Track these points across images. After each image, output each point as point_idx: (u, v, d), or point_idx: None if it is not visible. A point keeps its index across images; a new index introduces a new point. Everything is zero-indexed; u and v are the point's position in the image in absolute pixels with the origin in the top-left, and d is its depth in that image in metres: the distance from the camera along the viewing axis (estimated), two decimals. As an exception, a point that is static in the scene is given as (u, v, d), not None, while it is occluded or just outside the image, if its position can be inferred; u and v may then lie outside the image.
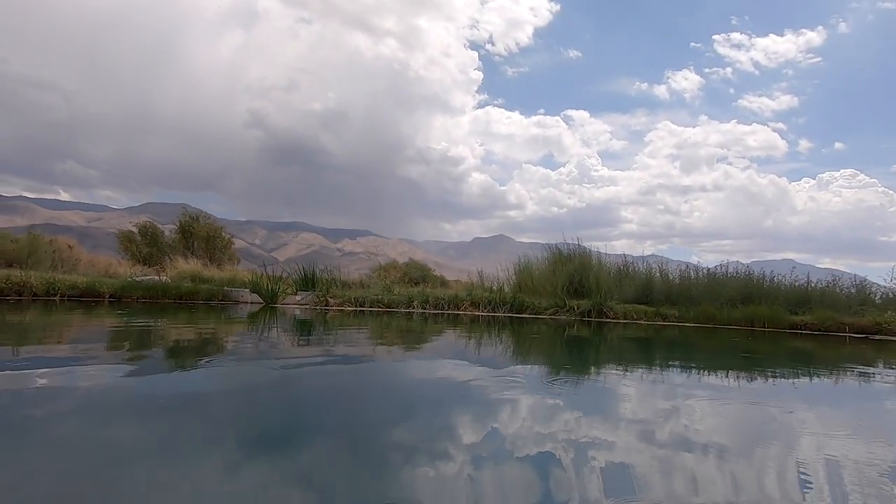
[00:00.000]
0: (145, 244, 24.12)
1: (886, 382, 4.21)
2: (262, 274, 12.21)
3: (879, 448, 2.14)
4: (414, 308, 11.21)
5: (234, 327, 6.32)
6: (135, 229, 25.34)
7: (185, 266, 13.98)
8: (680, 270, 13.15)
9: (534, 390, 3.06)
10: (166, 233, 26.76)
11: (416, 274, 23.18)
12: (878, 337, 8.55)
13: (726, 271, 12.55)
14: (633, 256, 14.09)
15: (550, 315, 10.90)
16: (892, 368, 5.17)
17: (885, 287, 11.73)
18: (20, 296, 8.21)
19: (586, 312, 10.75)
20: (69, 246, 17.67)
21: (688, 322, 10.06)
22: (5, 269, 9.47)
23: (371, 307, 10.77)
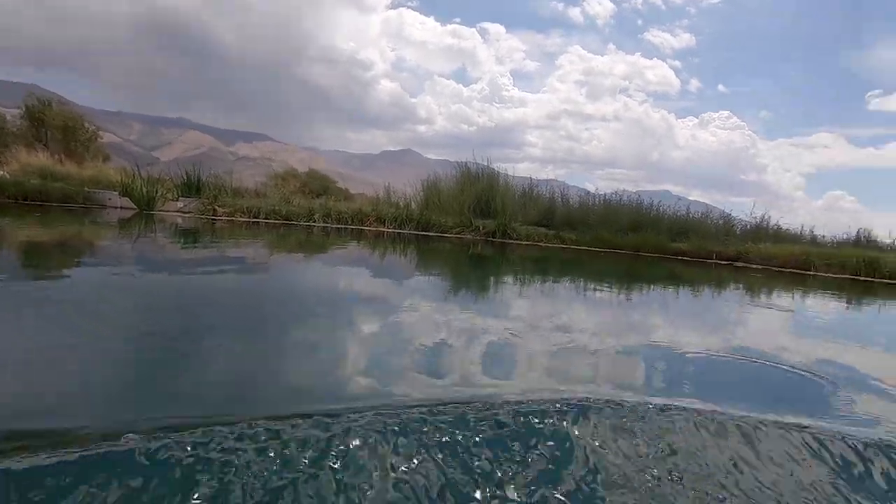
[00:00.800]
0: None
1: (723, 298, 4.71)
2: (136, 174, 10.55)
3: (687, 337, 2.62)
4: (315, 222, 10.53)
5: (102, 232, 5.35)
6: (-37, 112, 20.73)
7: (32, 160, 11.66)
8: (579, 196, 13.73)
9: (433, 298, 2.92)
10: (8, 118, 22.36)
11: (317, 185, 21.90)
12: (739, 264, 9.74)
13: (620, 200, 13.35)
14: (536, 180, 14.39)
15: (456, 234, 10.89)
16: (739, 289, 5.84)
17: (745, 221, 13.33)
18: None
19: (491, 233, 10.89)
20: None
21: (584, 246, 10.64)
22: None
23: (266, 219, 9.90)
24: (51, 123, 25.20)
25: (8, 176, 8.93)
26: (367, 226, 10.95)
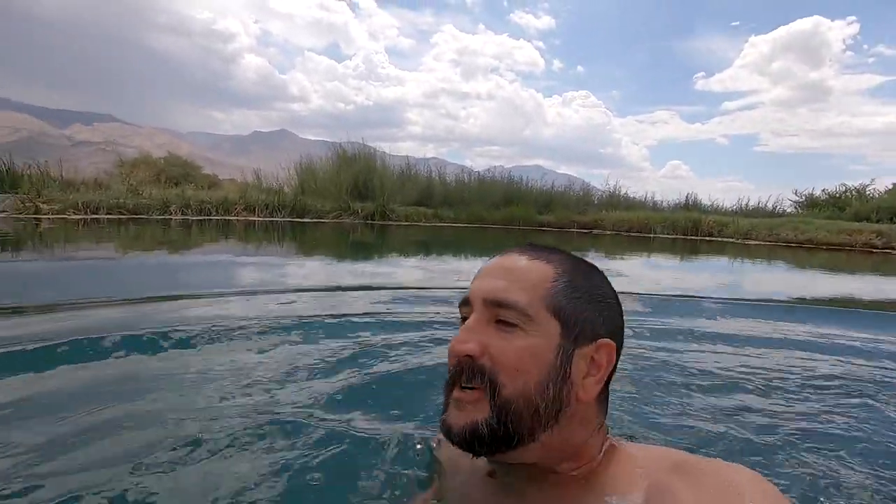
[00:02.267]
0: None
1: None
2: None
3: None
4: (172, 214, 9.47)
5: None
6: None
7: None
8: (456, 174, 14.13)
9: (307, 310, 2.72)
10: None
11: (177, 172, 19.67)
12: (596, 231, 10.84)
13: (493, 176, 14.00)
14: (415, 159, 14.50)
15: (333, 218, 10.58)
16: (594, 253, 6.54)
17: (601, 191, 14.85)
18: None
19: (370, 215, 10.76)
20: None
21: (461, 223, 11.01)
22: None
23: (109, 214, 8.66)
24: None
25: None
26: (234, 215, 10.13)
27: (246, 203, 10.48)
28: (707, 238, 10.09)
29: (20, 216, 7.87)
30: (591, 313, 0.64)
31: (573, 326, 0.63)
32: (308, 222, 10.09)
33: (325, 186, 12.19)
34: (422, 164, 14.45)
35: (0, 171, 9.22)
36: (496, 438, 0.60)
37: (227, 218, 9.88)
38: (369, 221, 10.53)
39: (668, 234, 10.48)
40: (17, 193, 8.54)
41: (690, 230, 10.35)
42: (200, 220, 9.45)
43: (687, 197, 14.00)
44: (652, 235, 10.42)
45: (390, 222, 10.62)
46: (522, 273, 0.64)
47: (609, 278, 0.69)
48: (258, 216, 10.33)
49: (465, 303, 0.66)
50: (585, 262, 0.70)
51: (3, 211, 8.02)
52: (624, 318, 0.69)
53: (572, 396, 0.62)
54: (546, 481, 0.64)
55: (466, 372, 0.61)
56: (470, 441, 0.61)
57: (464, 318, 0.65)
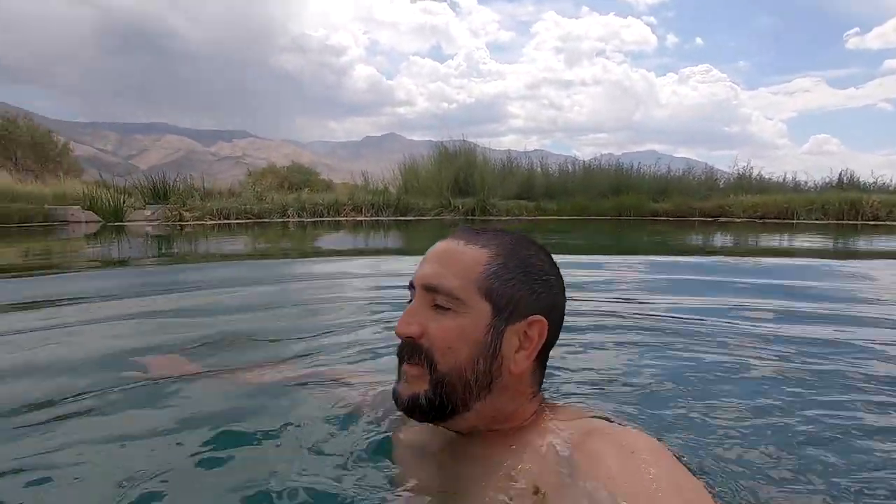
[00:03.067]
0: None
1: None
2: (97, 185, 10.20)
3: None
4: (289, 217, 10.27)
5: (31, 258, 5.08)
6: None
7: (-10, 181, 11.26)
8: (559, 165, 13.51)
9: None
10: None
11: (299, 178, 21.46)
12: (722, 219, 9.61)
13: (599, 164, 13.13)
14: (517, 152, 14.14)
15: (435, 216, 10.68)
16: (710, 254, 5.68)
17: (727, 173, 13.18)
18: None
19: (470, 211, 10.68)
20: None
21: (564, 215, 10.47)
22: None
23: (238, 219, 9.63)
24: (18, 141, 24.43)
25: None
26: (343, 216, 10.70)
27: (354, 204, 11.02)
28: (871, 222, 8.39)
29: (168, 223, 9.08)
30: (524, 292, 0.68)
31: (505, 306, 0.67)
32: (410, 220, 10.30)
33: (427, 184, 12.38)
34: (523, 158, 14.07)
35: (156, 186, 10.71)
36: (433, 408, 0.67)
37: (337, 219, 10.46)
38: (469, 217, 10.45)
39: (815, 219, 8.92)
40: (167, 204, 9.87)
41: (847, 213, 8.68)
42: (314, 221, 10.13)
43: (840, 174, 11.85)
44: (794, 221, 8.94)
45: (491, 217, 10.44)
46: (456, 259, 0.68)
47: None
48: (364, 216, 10.80)
49: (411, 286, 0.71)
50: (527, 241, 0.73)
51: (157, 219, 9.31)
52: (566, 293, 0.73)
53: (504, 369, 0.68)
54: (476, 436, 0.70)
55: (408, 350, 0.68)
56: (411, 409, 0.69)
57: (409, 301, 0.71)
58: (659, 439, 0.64)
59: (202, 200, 10.39)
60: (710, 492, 0.58)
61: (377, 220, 10.48)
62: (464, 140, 13.69)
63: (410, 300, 0.71)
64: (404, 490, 0.71)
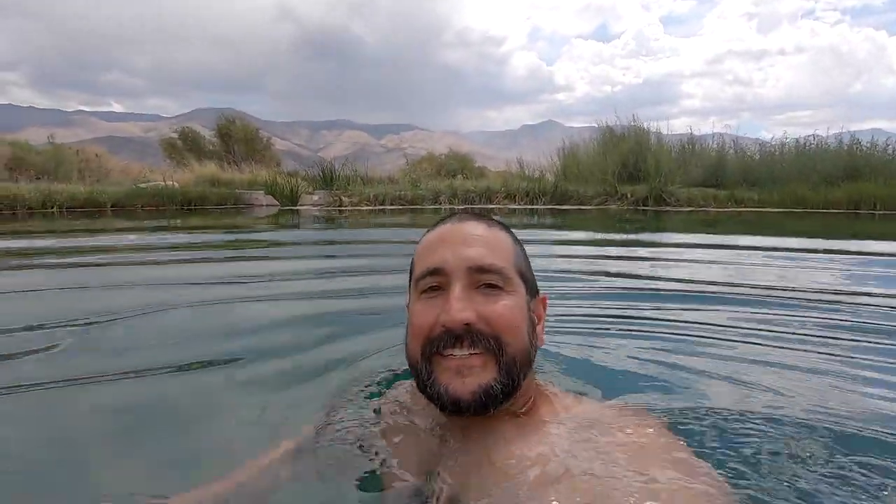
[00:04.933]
0: (187, 150, 23.72)
1: None
2: (276, 174, 11.22)
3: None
4: (441, 203, 10.00)
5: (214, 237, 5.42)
6: (176, 136, 24.92)
7: (204, 169, 13.24)
8: (759, 145, 10.94)
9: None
10: (207, 137, 26.29)
11: (455, 166, 21.61)
12: None
13: (820, 144, 10.23)
14: (695, 136, 11.88)
15: (598, 205, 9.39)
16: None
17: None
18: (13, 210, 7.69)
19: (641, 200, 9.14)
20: (96, 155, 17.35)
21: (770, 206, 8.27)
22: (29, 184, 9.03)
23: (392, 204, 9.66)
24: (236, 138, 29.36)
25: (177, 185, 10.10)
26: (495, 203, 10.07)
27: (507, 191, 10.31)
28: None
29: (330, 207, 9.48)
30: (531, 273, 0.74)
31: (529, 284, 0.72)
32: (568, 209, 9.19)
33: (589, 171, 11.08)
34: (708, 139, 11.76)
35: (325, 174, 11.42)
36: (506, 393, 0.66)
37: (488, 206, 9.88)
38: (640, 207, 8.93)
39: None
40: (330, 190, 10.38)
41: None
42: (464, 208, 9.69)
43: None
44: None
45: (668, 208, 8.77)
46: (494, 240, 0.70)
47: None
48: (518, 203, 10.02)
49: (436, 272, 0.68)
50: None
51: (320, 203, 9.82)
52: None
53: (535, 343, 0.71)
54: (491, 419, 0.67)
55: (469, 339, 0.65)
56: (485, 403, 0.65)
57: (431, 288, 0.69)
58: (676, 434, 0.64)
59: (363, 186, 10.73)
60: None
61: (531, 208, 9.61)
62: (634, 120, 11.95)
63: (431, 288, 0.68)
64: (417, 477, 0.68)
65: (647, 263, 3.17)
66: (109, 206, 8.65)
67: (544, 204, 9.89)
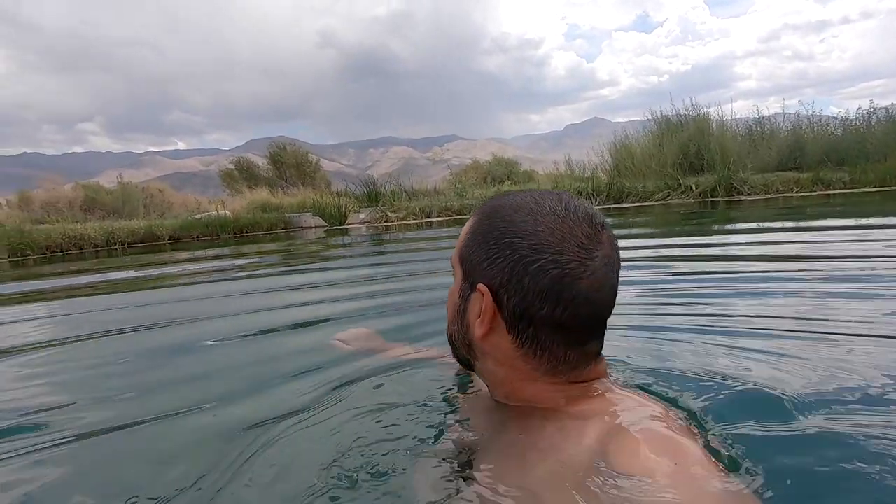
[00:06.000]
0: (243, 179, 24.72)
1: None
2: (323, 194, 11.26)
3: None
4: (489, 212, 9.62)
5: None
6: (233, 167, 26.10)
7: (254, 196, 13.58)
8: (845, 118, 9.79)
9: None
10: (261, 165, 27.37)
11: (500, 172, 21.17)
12: None
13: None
14: (763, 117, 10.82)
15: (660, 200, 8.67)
16: None
17: None
18: (81, 249, 8.06)
19: (709, 191, 8.33)
20: (159, 190, 18.34)
21: (865, 186, 7.26)
22: (95, 222, 9.54)
23: (439, 216, 9.37)
24: (287, 163, 30.44)
25: (229, 214, 10.33)
26: (547, 207, 9.57)
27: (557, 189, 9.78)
28: None
29: (376, 224, 9.33)
30: (480, 258, 0.68)
31: (469, 271, 0.70)
32: (628, 207, 8.53)
33: (645, 164, 10.33)
34: (780, 118, 10.69)
35: (370, 191, 11.35)
36: (460, 361, 0.80)
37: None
38: (709, 199, 8.14)
39: None
40: (376, 207, 10.26)
41: None
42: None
43: None
44: None
45: (742, 197, 7.93)
46: (463, 230, 0.74)
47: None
48: (571, 206, 9.46)
49: None
50: (510, 205, 0.69)
51: (367, 220, 9.70)
52: (537, 265, 0.63)
53: (472, 334, 0.71)
54: (511, 407, 0.72)
55: None
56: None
57: None
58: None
59: (408, 201, 10.54)
60: None
61: (586, 209, 9.02)
62: (692, 105, 11.07)
63: None
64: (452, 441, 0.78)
65: (737, 255, 2.64)
66: (167, 238, 8.92)
67: (600, 203, 9.26)
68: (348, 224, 10.22)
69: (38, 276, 5.17)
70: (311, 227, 10.36)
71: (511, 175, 19.63)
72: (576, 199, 0.69)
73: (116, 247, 8.36)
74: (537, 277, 0.63)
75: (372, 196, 11.13)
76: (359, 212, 10.68)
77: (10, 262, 7.07)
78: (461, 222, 6.18)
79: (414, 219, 9.31)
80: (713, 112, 10.58)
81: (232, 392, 1.24)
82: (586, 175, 11.21)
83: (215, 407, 1.15)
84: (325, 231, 9.40)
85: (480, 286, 0.67)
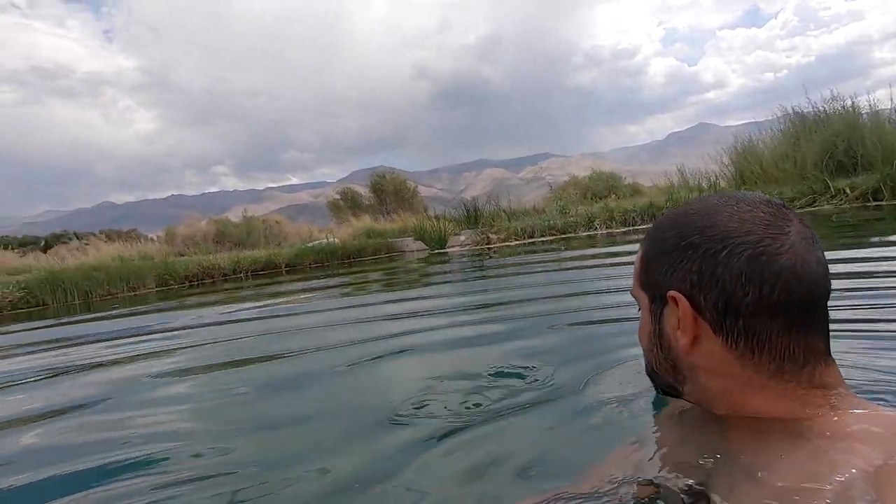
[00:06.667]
0: (348, 207, 26.32)
1: None
2: (424, 218, 11.42)
3: None
4: (596, 229, 9.02)
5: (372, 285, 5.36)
6: (338, 197, 28.01)
7: (358, 223, 14.21)
8: None
9: None
10: (363, 194, 29.05)
11: (601, 187, 20.15)
12: None
13: None
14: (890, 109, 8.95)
15: (804, 206, 7.49)
16: None
17: None
18: (213, 278, 8.89)
19: (868, 194, 7.01)
20: (276, 222, 20.04)
21: None
22: (224, 253, 10.62)
23: (542, 236, 8.98)
24: (386, 191, 32.00)
25: (337, 241, 10.84)
26: (662, 222, 8.75)
27: (674, 205, 8.91)
28: None
29: (478, 246, 9.17)
30: (661, 270, 0.66)
31: (654, 290, 0.67)
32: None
33: (778, 168, 9.09)
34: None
35: (469, 213, 11.31)
36: (665, 390, 0.73)
37: (654, 226, 8.61)
38: (871, 203, 6.85)
39: None
40: (477, 228, 10.13)
41: None
42: (624, 231, 8.56)
43: None
44: None
45: (915, 199, 6.56)
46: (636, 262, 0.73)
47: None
48: (691, 219, 8.56)
49: None
50: (673, 214, 0.68)
51: (468, 243, 9.58)
52: (726, 252, 0.59)
53: (674, 349, 0.66)
54: (737, 423, 0.64)
55: None
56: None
57: None
58: None
59: (508, 221, 10.30)
60: None
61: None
62: (832, 98, 9.58)
63: None
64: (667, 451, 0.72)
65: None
66: (284, 266, 9.55)
67: (725, 215, 8.26)
68: (449, 247, 10.20)
69: (180, 298, 5.69)
70: (412, 251, 10.51)
71: (613, 189, 18.57)
72: (740, 191, 0.64)
73: (241, 275, 9.10)
74: (730, 264, 0.59)
75: (471, 218, 11.06)
76: (459, 234, 10.64)
77: (156, 290, 7.98)
78: (568, 240, 5.84)
79: (516, 239, 9.01)
80: (863, 103, 9.05)
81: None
82: (703, 185, 10.18)
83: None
84: (428, 255, 9.45)
85: (671, 293, 0.63)
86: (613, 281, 3.08)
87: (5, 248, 14.63)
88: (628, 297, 0.76)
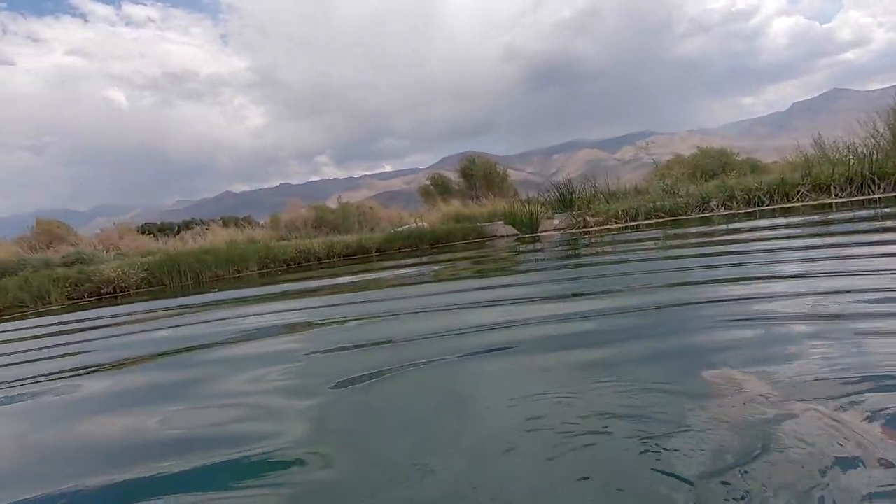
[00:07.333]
0: (438, 193, 26.48)
1: None
2: (514, 202, 10.91)
3: None
4: (713, 209, 7.93)
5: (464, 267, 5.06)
6: (429, 183, 28.34)
7: (447, 208, 14.04)
8: None
9: None
10: (453, 179, 29.11)
11: (712, 165, 18.08)
12: None
13: None
14: None
15: None
16: None
17: None
18: (308, 261, 9.20)
19: None
20: (370, 208, 20.63)
21: None
22: (320, 238, 11.05)
23: (647, 218, 8.09)
24: (476, 175, 31.74)
25: (426, 226, 10.73)
26: (797, 200, 7.45)
27: (813, 181, 7.54)
28: None
29: (573, 230, 8.50)
30: None
31: None
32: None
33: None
34: None
35: (563, 196, 10.59)
36: None
37: (787, 205, 7.35)
38: None
39: None
40: (572, 211, 9.43)
41: None
42: (749, 212, 7.41)
43: None
44: None
45: None
46: None
47: None
48: (835, 196, 7.18)
49: None
50: None
51: (561, 227, 8.93)
52: None
53: None
54: None
55: None
56: None
57: None
58: None
59: (607, 203, 9.46)
60: None
61: (862, 199, 6.71)
62: None
63: None
64: None
65: None
66: (374, 250, 9.63)
67: (883, 192, 6.81)
68: (541, 231, 9.62)
69: (280, 280, 5.85)
70: (502, 236, 10.08)
71: (726, 167, 16.54)
72: None
73: (335, 259, 9.33)
74: None
75: (566, 201, 10.35)
76: (552, 218, 10.00)
77: (258, 272, 8.41)
78: (679, 223, 5.01)
79: (616, 222, 8.22)
80: None
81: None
82: (849, 159, 8.52)
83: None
84: (517, 239, 8.97)
85: None
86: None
87: (146, 233, 16.63)
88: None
